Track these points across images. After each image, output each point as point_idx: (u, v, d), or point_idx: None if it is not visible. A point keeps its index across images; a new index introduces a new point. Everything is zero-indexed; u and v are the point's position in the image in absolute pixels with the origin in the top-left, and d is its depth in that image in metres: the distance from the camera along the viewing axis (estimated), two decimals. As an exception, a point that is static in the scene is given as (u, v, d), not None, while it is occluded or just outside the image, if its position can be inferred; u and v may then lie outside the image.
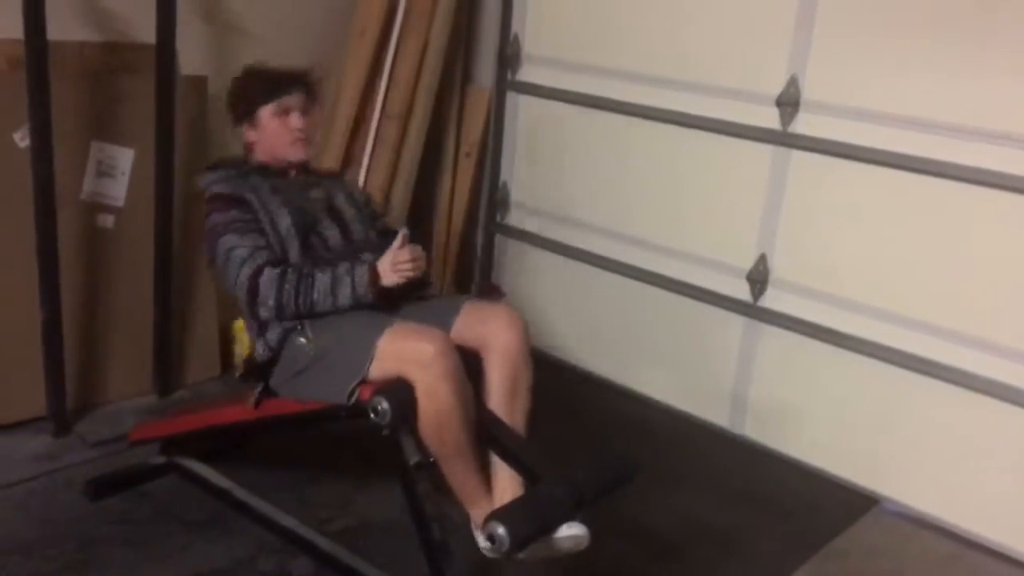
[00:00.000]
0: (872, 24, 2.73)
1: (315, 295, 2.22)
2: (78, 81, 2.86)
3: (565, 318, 3.64)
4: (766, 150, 3.00)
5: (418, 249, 2.30)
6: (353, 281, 2.23)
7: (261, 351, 2.29)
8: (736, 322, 3.17)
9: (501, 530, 1.84)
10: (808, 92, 2.88)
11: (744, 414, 3.21)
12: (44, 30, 2.57)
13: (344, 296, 2.23)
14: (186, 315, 3.19)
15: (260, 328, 2.29)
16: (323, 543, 2.40)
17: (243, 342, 2.46)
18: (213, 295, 3.20)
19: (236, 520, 2.51)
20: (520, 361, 2.25)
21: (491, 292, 3.83)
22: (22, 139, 2.71)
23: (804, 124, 2.90)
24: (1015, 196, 2.53)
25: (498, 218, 3.85)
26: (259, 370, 2.32)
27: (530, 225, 3.75)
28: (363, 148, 3.57)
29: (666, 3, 3.19)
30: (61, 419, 2.85)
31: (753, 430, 3.20)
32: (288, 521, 2.45)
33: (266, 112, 2.42)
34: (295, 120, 2.43)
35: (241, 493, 2.55)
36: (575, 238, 3.59)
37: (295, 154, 2.44)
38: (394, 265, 2.24)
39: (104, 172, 2.96)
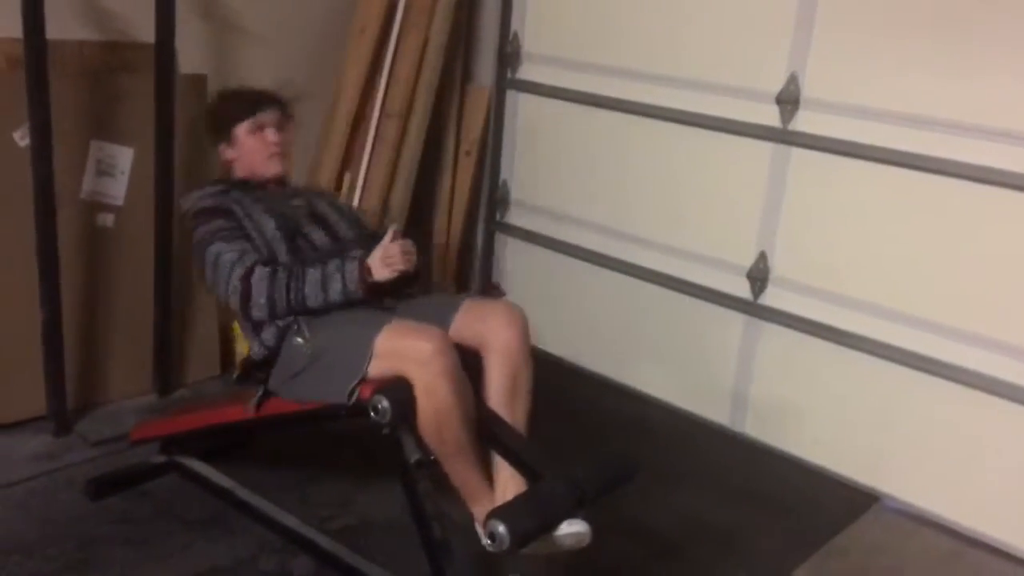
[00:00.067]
0: (872, 21, 2.73)
1: (306, 289, 2.23)
2: (77, 80, 2.86)
3: (565, 316, 3.64)
4: (766, 148, 3.00)
5: (408, 243, 2.32)
6: (343, 276, 2.25)
7: (257, 350, 2.30)
8: (736, 320, 3.17)
9: (501, 528, 1.84)
10: (808, 90, 2.88)
11: (745, 412, 3.21)
12: (43, 29, 2.56)
13: (335, 291, 2.24)
14: (186, 314, 3.19)
15: (255, 328, 2.30)
16: (324, 542, 2.40)
17: (243, 342, 2.46)
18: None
19: (237, 519, 2.51)
20: (520, 359, 2.24)
21: (491, 291, 3.83)
22: (22, 138, 2.71)
23: (804, 122, 2.90)
24: (1015, 193, 2.53)
25: (498, 216, 3.85)
26: (257, 370, 2.32)
27: (530, 223, 3.75)
28: (363, 146, 3.57)
29: (666, 1, 3.18)
30: (61, 418, 2.85)
31: (754, 428, 3.19)
32: (289, 520, 2.45)
33: (242, 129, 2.49)
34: (270, 135, 2.50)
35: (242, 492, 2.54)
36: (575, 236, 3.58)
37: (273, 168, 2.50)
38: (385, 259, 2.25)
39: (104, 171, 2.96)
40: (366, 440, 2.13)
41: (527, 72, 3.64)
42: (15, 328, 2.80)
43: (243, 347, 2.45)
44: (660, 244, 3.33)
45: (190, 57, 3.10)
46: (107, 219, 2.99)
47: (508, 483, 2.18)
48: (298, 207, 2.47)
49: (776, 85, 2.93)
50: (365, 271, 2.25)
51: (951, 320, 2.70)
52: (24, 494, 2.56)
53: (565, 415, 3.12)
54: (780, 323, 3.06)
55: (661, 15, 3.19)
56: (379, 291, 2.28)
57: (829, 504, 2.84)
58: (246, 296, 2.24)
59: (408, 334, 2.09)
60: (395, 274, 2.26)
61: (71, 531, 2.42)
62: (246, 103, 2.52)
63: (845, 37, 2.79)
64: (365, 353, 2.09)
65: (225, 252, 2.28)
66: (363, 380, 2.08)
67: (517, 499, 2.04)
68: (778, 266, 3.05)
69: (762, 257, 3.07)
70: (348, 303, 2.26)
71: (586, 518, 2.01)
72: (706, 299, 3.23)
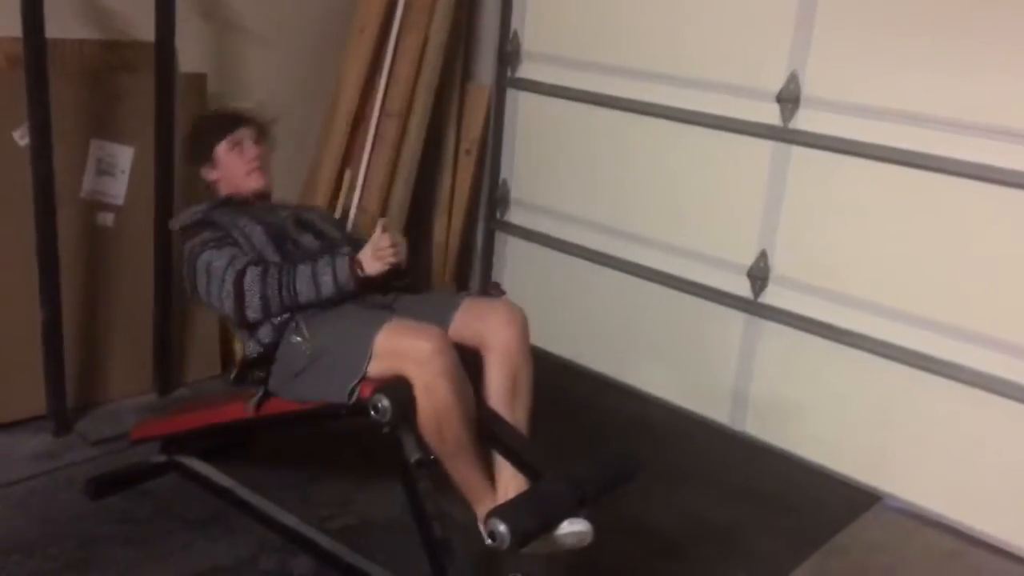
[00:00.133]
0: (872, 20, 2.73)
1: (298, 285, 2.25)
2: (77, 79, 2.86)
3: (565, 315, 3.64)
4: (766, 146, 3.00)
5: (398, 235, 2.34)
6: (334, 270, 2.26)
7: (253, 347, 2.31)
8: (737, 319, 3.17)
9: (502, 527, 1.84)
10: (808, 88, 2.88)
11: (745, 411, 3.21)
12: (43, 28, 2.56)
13: (326, 285, 2.26)
14: (186, 314, 3.19)
15: (251, 329, 2.31)
16: (324, 541, 2.39)
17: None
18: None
19: (237, 518, 2.50)
20: (520, 359, 2.24)
21: (491, 290, 3.82)
22: (21, 137, 2.71)
23: (804, 120, 2.90)
24: (1015, 191, 2.53)
25: (498, 215, 3.85)
26: (253, 369, 2.33)
27: (530, 222, 3.75)
28: (363, 145, 3.57)
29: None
30: (61, 418, 2.85)
31: (754, 427, 3.19)
32: (289, 519, 2.45)
33: (221, 149, 2.53)
34: (249, 149, 2.54)
35: (242, 491, 2.54)
36: (575, 235, 3.58)
37: (254, 182, 2.53)
38: (376, 252, 2.27)
39: (104, 170, 2.95)
40: (366, 439, 2.13)
41: (527, 71, 3.64)
42: (15, 328, 2.80)
43: (242, 347, 2.45)
44: (660, 243, 3.33)
45: (190, 56, 3.10)
46: (107, 218, 2.99)
47: (509, 483, 2.18)
48: (285, 216, 2.51)
49: (776, 83, 2.93)
50: (356, 265, 2.27)
51: (952, 318, 2.70)
52: (24, 493, 2.56)
53: (565, 414, 3.11)
54: (780, 322, 3.06)
55: (661, 13, 3.19)
56: (371, 285, 2.30)
57: (830, 503, 2.84)
58: (240, 298, 2.26)
59: (407, 333, 2.09)
60: (386, 267, 2.28)
61: (71, 530, 2.42)
62: (223, 122, 2.58)
63: (845, 35, 2.78)
64: (365, 352, 2.09)
65: (216, 259, 2.31)
66: (363, 379, 2.08)
67: (518, 498, 2.04)
68: (778, 264, 3.05)
69: (762, 256, 3.07)
70: (340, 298, 2.28)
71: (587, 517, 2.01)
72: (707, 298, 3.23)
